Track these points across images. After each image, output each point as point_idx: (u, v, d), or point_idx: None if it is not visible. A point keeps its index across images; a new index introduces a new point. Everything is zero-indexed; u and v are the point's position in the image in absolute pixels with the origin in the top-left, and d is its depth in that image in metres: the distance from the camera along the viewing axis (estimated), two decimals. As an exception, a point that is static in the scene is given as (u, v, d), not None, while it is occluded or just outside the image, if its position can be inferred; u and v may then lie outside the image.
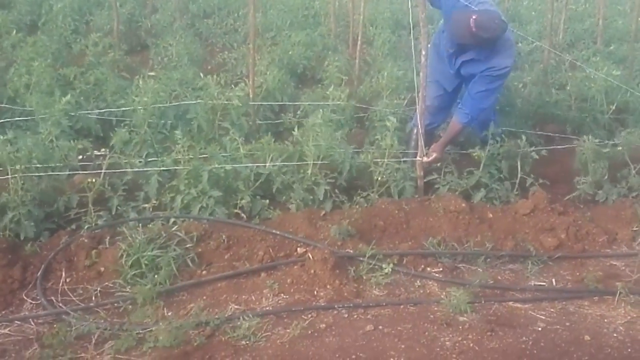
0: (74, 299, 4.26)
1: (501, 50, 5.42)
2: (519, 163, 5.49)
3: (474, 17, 5.14)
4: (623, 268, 4.69)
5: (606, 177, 5.56)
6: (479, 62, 5.45)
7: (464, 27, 5.20)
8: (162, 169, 5.21)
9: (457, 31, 5.32)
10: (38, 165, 4.95)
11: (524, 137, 5.55)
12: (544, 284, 4.52)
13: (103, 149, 5.88)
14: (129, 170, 5.24)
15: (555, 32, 9.29)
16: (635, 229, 5.06)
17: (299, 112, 6.78)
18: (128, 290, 4.30)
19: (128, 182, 5.19)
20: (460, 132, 5.81)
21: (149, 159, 5.55)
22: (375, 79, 7.47)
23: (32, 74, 6.76)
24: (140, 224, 4.74)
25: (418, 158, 5.42)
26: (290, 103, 6.98)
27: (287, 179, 5.22)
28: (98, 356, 3.70)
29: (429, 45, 5.30)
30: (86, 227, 4.76)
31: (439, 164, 5.55)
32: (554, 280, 4.56)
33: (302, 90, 7.74)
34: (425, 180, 5.48)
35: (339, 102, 6.38)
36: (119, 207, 5.00)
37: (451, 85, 5.87)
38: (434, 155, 5.50)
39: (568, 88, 7.28)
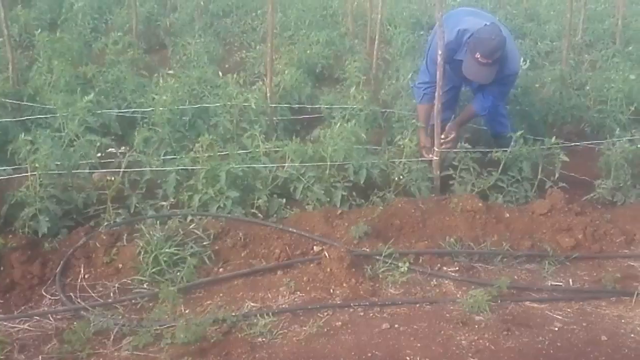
0: (92, 295, 4.30)
1: (506, 59, 5.46)
2: (540, 165, 5.47)
3: (476, 55, 5.21)
4: (641, 269, 4.67)
5: (628, 182, 5.54)
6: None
7: (480, 69, 5.30)
8: (180, 167, 5.25)
9: (480, 77, 5.45)
10: (57, 163, 4.99)
11: (551, 139, 5.52)
12: (561, 284, 4.50)
13: (122, 147, 5.93)
14: (148, 169, 5.27)
15: (574, 32, 9.24)
16: (653, 230, 5.03)
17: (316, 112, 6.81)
18: (146, 287, 4.35)
19: (146, 180, 5.24)
20: (472, 118, 5.96)
21: (167, 158, 5.59)
22: (394, 79, 7.47)
23: (52, 72, 6.82)
24: (157, 222, 4.77)
25: (434, 157, 5.42)
26: (310, 106, 6.99)
27: (306, 181, 5.23)
28: (116, 352, 3.73)
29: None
30: (104, 224, 4.80)
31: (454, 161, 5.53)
32: (570, 280, 4.54)
33: (320, 89, 7.76)
34: (441, 175, 5.48)
35: (359, 106, 6.36)
36: (137, 205, 5.04)
37: (459, 82, 5.94)
38: (453, 134, 5.61)
39: (587, 88, 7.25)
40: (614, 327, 3.97)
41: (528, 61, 7.99)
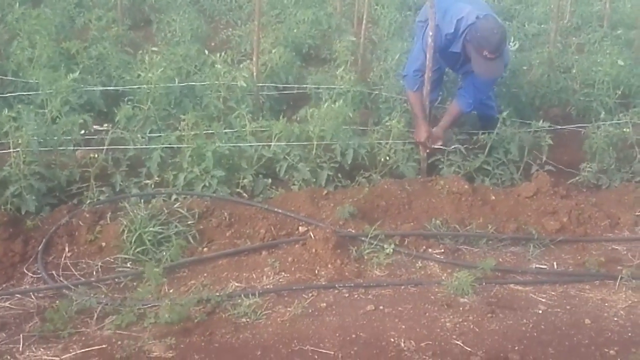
0: (75, 273, 4.26)
1: None
2: (526, 148, 5.47)
3: (484, 53, 5.15)
4: (625, 252, 4.68)
5: (613, 166, 5.56)
6: None
7: (489, 65, 5.25)
8: (165, 145, 5.20)
9: (491, 73, 5.40)
10: (40, 140, 4.93)
11: (538, 122, 5.53)
12: (546, 267, 4.51)
13: (106, 124, 5.86)
14: (132, 147, 5.22)
15: (562, 14, 9.21)
16: (638, 213, 5.05)
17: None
18: (129, 266, 4.32)
19: (131, 158, 5.19)
20: (460, 118, 5.79)
21: (152, 136, 5.53)
22: (382, 59, 7.43)
23: (35, 47, 6.72)
24: (142, 200, 4.73)
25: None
26: (297, 86, 6.93)
27: (291, 160, 5.19)
28: (99, 331, 3.71)
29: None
30: (88, 202, 4.76)
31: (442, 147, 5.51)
32: (555, 263, 4.55)
33: (307, 69, 7.70)
34: (430, 160, 5.46)
35: (346, 86, 6.30)
36: (121, 183, 5.00)
37: (447, 63, 5.85)
38: (440, 141, 5.46)
39: (574, 71, 7.24)
40: (597, 311, 3.99)
41: (518, 42, 7.95)
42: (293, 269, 4.31)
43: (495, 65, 5.27)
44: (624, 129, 5.70)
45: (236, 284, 4.17)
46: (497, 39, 5.12)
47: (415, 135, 5.48)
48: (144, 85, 5.86)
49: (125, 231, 4.42)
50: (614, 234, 4.91)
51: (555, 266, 4.52)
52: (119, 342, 3.58)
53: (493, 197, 5.08)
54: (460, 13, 5.34)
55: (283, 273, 4.29)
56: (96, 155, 4.95)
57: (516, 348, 3.60)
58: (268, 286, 4.15)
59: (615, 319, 3.91)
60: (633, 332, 3.77)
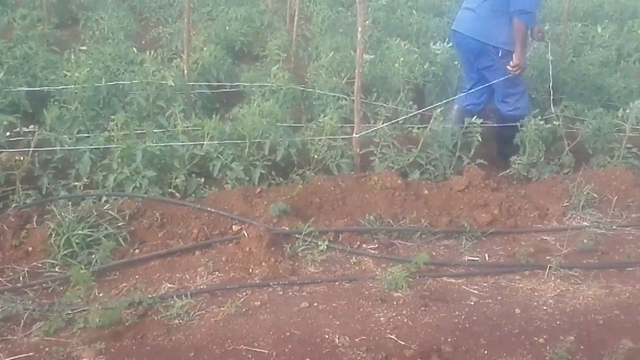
0: (0, 279, 4.12)
1: None
2: (458, 142, 5.55)
3: None
4: (553, 242, 4.78)
5: (542, 159, 5.68)
6: None
7: None
8: (95, 147, 5.09)
9: None
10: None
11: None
12: (477, 259, 4.58)
13: (32, 126, 5.69)
14: (59, 148, 5.08)
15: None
16: (565, 204, 5.16)
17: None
18: (57, 270, 4.20)
19: (58, 160, 5.05)
20: (526, 34, 6.05)
21: (81, 136, 5.40)
22: (315, 56, 7.42)
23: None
24: (70, 203, 4.61)
25: (354, 135, 5.42)
26: (230, 84, 6.87)
27: (224, 159, 5.14)
28: (26, 338, 3.59)
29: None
30: (13, 205, 4.62)
31: None
32: (486, 255, 4.62)
33: (240, 67, 7.65)
34: (361, 152, 5.48)
35: (279, 84, 6.28)
36: (48, 186, 4.86)
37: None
38: (519, 64, 5.93)
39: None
40: (527, 300, 4.06)
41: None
42: (227, 268, 4.27)
43: None
44: (554, 122, 5.85)
45: (169, 285, 4.10)
46: None
47: (516, 61, 5.92)
48: (71, 85, 5.72)
49: (53, 235, 4.30)
50: (543, 225, 5.02)
51: (487, 258, 4.59)
52: (47, 349, 3.48)
53: (426, 192, 5.13)
54: None
55: (217, 273, 4.24)
56: (22, 158, 4.81)
57: (449, 340, 3.64)
58: (201, 286, 4.10)
59: (545, 307, 3.99)
60: (561, 320, 3.85)
